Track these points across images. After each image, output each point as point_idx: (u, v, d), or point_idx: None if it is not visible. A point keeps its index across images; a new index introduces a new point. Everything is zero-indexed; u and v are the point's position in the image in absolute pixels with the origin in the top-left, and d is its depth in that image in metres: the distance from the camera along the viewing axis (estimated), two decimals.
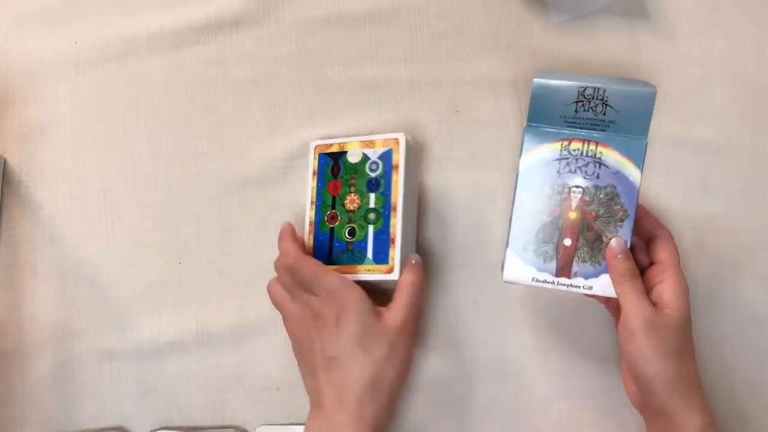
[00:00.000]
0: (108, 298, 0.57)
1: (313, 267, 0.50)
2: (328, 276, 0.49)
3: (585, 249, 0.48)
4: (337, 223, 0.54)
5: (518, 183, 0.49)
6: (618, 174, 0.48)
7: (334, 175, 0.55)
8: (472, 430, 0.55)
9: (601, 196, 0.48)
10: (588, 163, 0.49)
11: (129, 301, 0.57)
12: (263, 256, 0.56)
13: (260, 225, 0.58)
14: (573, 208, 0.49)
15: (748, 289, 0.57)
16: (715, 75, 0.60)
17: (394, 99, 0.59)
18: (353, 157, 0.54)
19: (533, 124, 0.50)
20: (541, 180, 0.49)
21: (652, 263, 0.49)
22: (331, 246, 0.53)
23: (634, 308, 0.46)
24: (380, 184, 0.53)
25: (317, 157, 0.56)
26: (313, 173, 0.55)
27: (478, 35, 0.60)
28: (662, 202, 0.57)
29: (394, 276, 0.51)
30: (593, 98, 0.48)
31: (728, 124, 0.59)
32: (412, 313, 0.50)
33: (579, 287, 0.48)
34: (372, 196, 0.53)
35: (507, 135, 0.58)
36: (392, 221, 0.52)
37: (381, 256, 0.52)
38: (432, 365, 0.56)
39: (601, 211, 0.48)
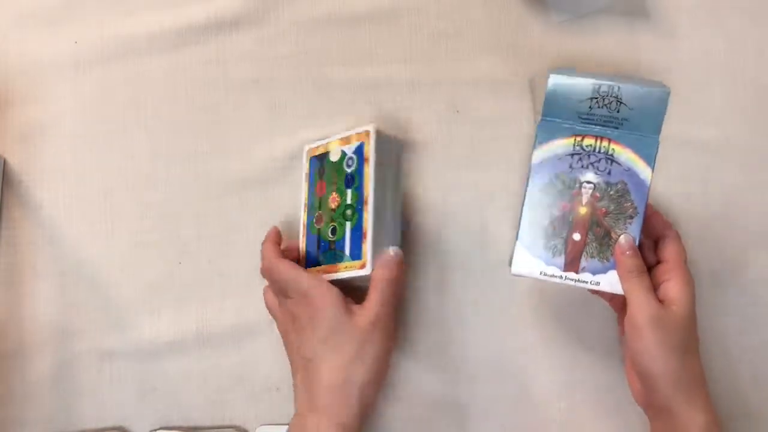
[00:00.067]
0: (108, 298, 0.57)
1: (286, 270, 0.50)
2: (300, 277, 0.49)
3: (594, 245, 0.48)
4: (323, 224, 0.53)
5: (530, 176, 0.49)
6: (629, 171, 0.48)
7: (321, 177, 0.54)
8: (472, 430, 0.55)
9: (612, 192, 0.48)
10: (600, 159, 0.49)
11: (129, 301, 0.57)
12: None
13: (260, 225, 0.57)
14: (584, 203, 0.49)
15: (749, 289, 0.57)
16: (715, 75, 0.60)
17: (394, 99, 0.59)
18: (334, 156, 0.54)
19: (547, 119, 0.49)
20: (553, 174, 0.49)
21: (659, 262, 0.49)
22: (318, 247, 0.53)
23: (640, 304, 0.46)
24: (355, 179, 0.51)
25: (309, 160, 0.55)
26: (306, 177, 0.55)
27: (478, 35, 0.60)
28: (662, 201, 0.57)
29: (366, 271, 0.49)
30: (608, 95, 0.48)
31: (728, 124, 0.59)
32: (386, 310, 0.48)
33: (586, 282, 0.48)
34: (349, 192, 0.52)
35: (507, 135, 0.58)
36: (364, 215, 0.50)
37: (356, 252, 0.50)
38: (432, 365, 0.56)
39: (611, 208, 0.48)
